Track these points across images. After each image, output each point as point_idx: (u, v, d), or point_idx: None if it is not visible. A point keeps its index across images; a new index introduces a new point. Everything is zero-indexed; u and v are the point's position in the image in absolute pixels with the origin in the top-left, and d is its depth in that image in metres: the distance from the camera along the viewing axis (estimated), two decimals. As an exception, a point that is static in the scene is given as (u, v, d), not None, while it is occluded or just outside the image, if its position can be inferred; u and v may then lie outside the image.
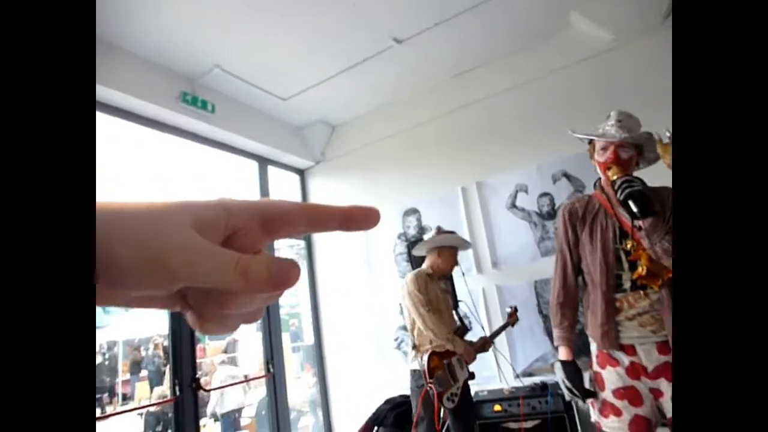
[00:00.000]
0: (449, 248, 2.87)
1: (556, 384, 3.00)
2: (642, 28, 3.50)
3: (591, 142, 1.69)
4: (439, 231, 2.92)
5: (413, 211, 4.21)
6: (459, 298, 3.54)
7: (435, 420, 2.54)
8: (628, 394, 1.47)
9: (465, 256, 3.80)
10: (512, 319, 3.01)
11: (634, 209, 1.40)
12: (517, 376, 3.45)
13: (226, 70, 3.60)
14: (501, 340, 3.66)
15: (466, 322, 3.66)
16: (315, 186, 4.93)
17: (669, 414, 1.46)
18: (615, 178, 1.50)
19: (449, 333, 2.61)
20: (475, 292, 3.77)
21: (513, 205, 3.84)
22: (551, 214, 3.69)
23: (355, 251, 4.49)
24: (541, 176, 3.75)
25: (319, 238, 4.80)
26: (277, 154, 4.55)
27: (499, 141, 3.95)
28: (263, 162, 4.53)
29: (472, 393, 3.16)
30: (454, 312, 2.90)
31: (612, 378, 1.52)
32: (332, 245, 4.68)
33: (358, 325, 4.31)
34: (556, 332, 1.73)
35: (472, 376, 2.65)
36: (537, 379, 3.17)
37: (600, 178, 1.73)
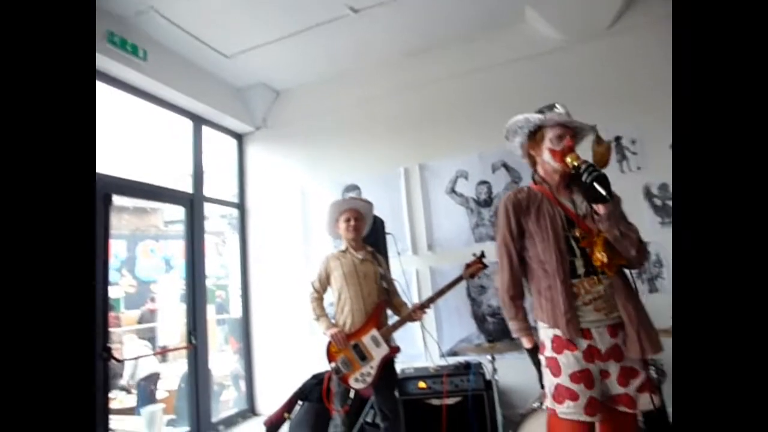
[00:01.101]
0: (341, 214, 2.76)
1: (479, 363, 3.14)
2: (590, 32, 3.65)
3: (535, 133, 1.68)
4: (334, 202, 2.80)
5: (354, 188, 4.16)
6: (393, 277, 3.56)
7: (324, 397, 2.57)
8: (584, 377, 1.49)
9: (401, 237, 3.83)
10: (473, 269, 2.76)
11: (603, 192, 1.44)
12: (443, 356, 3.55)
13: (163, 15, 3.28)
14: (429, 320, 3.74)
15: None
16: (253, 153, 4.71)
17: (613, 392, 1.52)
18: (577, 163, 1.53)
19: (321, 312, 2.62)
20: (409, 273, 3.81)
21: (452, 191, 3.90)
22: (488, 202, 3.80)
23: (291, 223, 4.37)
24: (481, 164, 3.84)
25: (254, 208, 4.61)
26: (215, 115, 4.28)
27: (444, 125, 3.98)
28: (198, 121, 4.24)
29: (399, 370, 3.22)
30: (384, 284, 2.77)
31: (570, 362, 1.52)
32: (267, 215, 4.52)
33: (290, 298, 4.22)
34: (513, 324, 1.71)
35: (395, 350, 2.66)
36: (461, 359, 3.28)
37: (535, 171, 1.75)
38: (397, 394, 2.95)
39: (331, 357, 2.57)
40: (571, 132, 1.64)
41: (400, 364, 3.41)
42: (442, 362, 3.36)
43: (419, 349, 3.65)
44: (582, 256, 1.57)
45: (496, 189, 3.78)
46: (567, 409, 1.49)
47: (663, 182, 3.46)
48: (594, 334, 1.53)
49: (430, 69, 4.07)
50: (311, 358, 3.66)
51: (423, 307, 2.71)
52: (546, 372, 1.59)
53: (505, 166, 3.77)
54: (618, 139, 3.59)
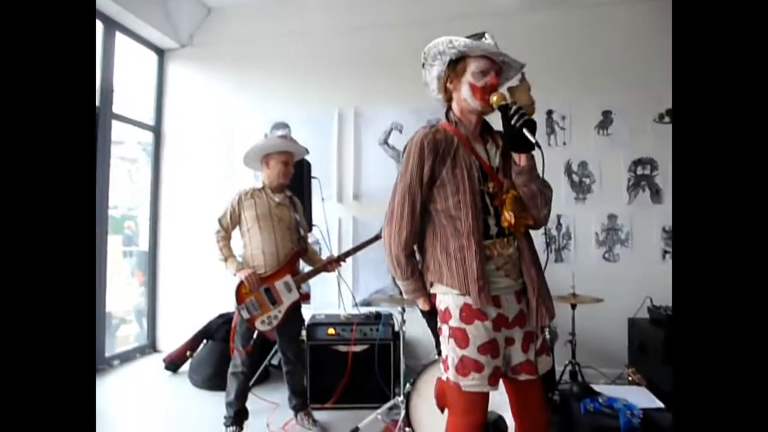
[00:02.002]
0: (276, 155, 2.56)
1: (390, 315, 3.19)
2: (545, 3, 3.62)
3: (457, 62, 1.43)
4: (266, 137, 2.60)
5: (283, 125, 3.93)
6: (314, 223, 3.47)
7: (231, 338, 2.49)
8: (491, 347, 1.35)
9: (327, 183, 3.71)
10: None
11: (532, 139, 1.28)
12: (356, 305, 3.58)
13: None
14: (346, 270, 3.73)
15: (317, 247, 3.63)
16: (175, 72, 4.25)
17: (515, 361, 1.42)
18: (504, 103, 1.34)
19: (229, 253, 2.46)
20: (332, 221, 3.74)
21: (385, 142, 3.81)
22: (419, 158, 3.76)
23: (211, 154, 4.06)
24: (417, 118, 3.76)
25: (172, 133, 4.22)
26: (132, 21, 3.76)
27: (385, 74, 3.82)
28: (110, 25, 3.71)
29: (310, 316, 3.20)
30: (300, 231, 2.64)
31: (480, 333, 1.35)
32: (186, 143, 4.16)
33: (202, 234, 3.97)
34: (407, 285, 1.45)
35: (305, 297, 2.61)
36: (374, 309, 3.32)
37: (450, 109, 1.49)
38: (303, 338, 2.93)
39: (240, 298, 2.46)
40: (497, 68, 1.42)
41: (312, 310, 3.39)
42: (355, 311, 3.38)
43: (334, 297, 3.64)
44: (495, 215, 1.40)
45: (428, 146, 3.74)
46: (472, 382, 1.35)
47: (583, 160, 3.63)
48: (503, 302, 1.40)
49: (377, 14, 3.86)
50: (219, 297, 3.52)
51: (339, 260, 2.66)
52: (450, 342, 1.39)
53: (441, 124, 3.73)
54: (550, 112, 3.67)
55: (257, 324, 2.46)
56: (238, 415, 2.53)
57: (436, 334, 1.47)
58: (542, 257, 1.47)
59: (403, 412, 2.37)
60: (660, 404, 2.11)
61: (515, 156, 1.39)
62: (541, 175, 1.40)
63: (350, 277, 3.75)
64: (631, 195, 3.57)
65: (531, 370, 1.42)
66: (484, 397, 1.40)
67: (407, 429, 2.29)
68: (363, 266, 3.78)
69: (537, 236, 1.53)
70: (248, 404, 2.66)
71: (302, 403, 2.75)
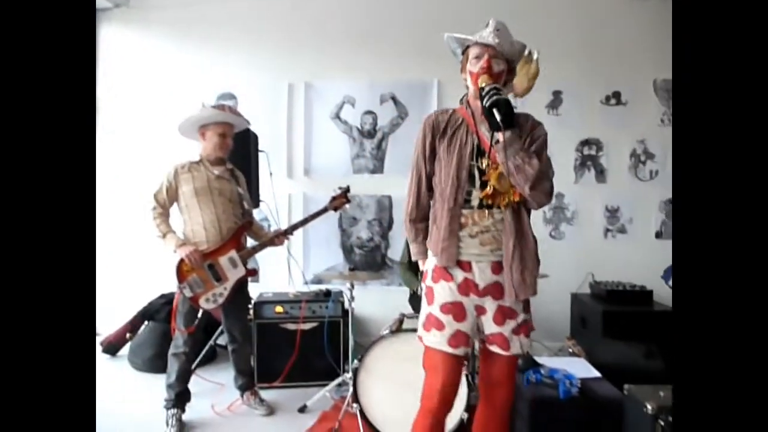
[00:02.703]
0: (213, 126, 2.42)
1: (339, 292, 3.15)
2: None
3: (465, 52, 1.55)
4: (203, 106, 2.43)
5: (230, 96, 3.72)
6: (261, 199, 3.34)
7: (172, 318, 2.38)
8: (454, 309, 1.46)
9: (277, 158, 3.57)
10: (337, 203, 2.65)
11: (498, 117, 1.35)
12: (306, 283, 3.52)
13: None
14: (296, 247, 3.65)
15: (266, 224, 3.52)
16: (110, 35, 3.90)
17: (487, 331, 1.51)
18: (483, 84, 1.41)
19: (167, 229, 2.34)
20: (281, 197, 3.62)
21: (337, 116, 3.71)
22: (371, 133, 3.69)
23: (150, 126, 3.79)
24: (371, 93, 3.68)
25: (104, 103, 3.90)
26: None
27: (338, 46, 3.68)
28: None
29: (257, 294, 3.10)
30: (244, 205, 2.52)
31: (444, 293, 1.49)
32: (121, 114, 3.86)
33: (139, 210, 3.74)
34: (413, 247, 1.66)
35: (251, 273, 2.51)
36: (324, 287, 3.26)
37: (466, 94, 1.60)
38: (250, 316, 2.85)
39: (182, 276, 2.33)
40: (492, 52, 1.47)
41: (260, 288, 3.30)
42: (305, 289, 3.32)
43: (283, 275, 3.55)
44: (480, 188, 1.49)
45: (381, 121, 3.67)
46: (432, 338, 1.48)
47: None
48: (474, 268, 1.48)
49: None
50: (159, 276, 3.33)
51: (285, 233, 2.57)
52: (423, 300, 1.56)
53: (394, 99, 3.66)
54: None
55: (201, 302, 2.35)
56: (180, 397, 2.43)
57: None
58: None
59: (351, 389, 2.35)
60: (597, 374, 2.20)
61: (498, 135, 1.44)
62: (522, 150, 1.44)
63: (300, 254, 3.66)
64: (577, 174, 3.67)
65: (504, 344, 1.50)
66: (447, 361, 1.48)
67: (355, 404, 2.28)
68: (314, 243, 3.70)
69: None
70: (193, 386, 2.57)
71: (248, 382, 2.68)
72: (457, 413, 2.08)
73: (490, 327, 1.51)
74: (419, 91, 3.58)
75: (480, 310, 1.51)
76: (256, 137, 3.28)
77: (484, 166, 1.49)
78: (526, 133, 1.51)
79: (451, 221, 1.49)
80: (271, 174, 3.33)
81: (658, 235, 3.64)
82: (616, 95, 3.66)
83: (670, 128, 3.64)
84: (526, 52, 1.58)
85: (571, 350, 2.54)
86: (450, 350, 1.46)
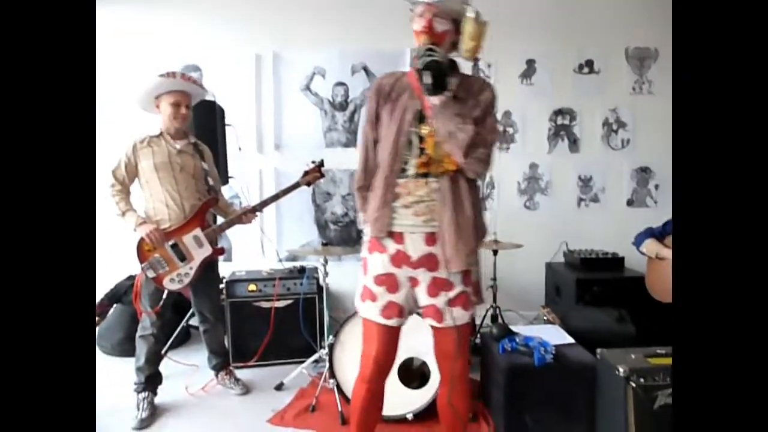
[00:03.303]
0: (166, 95, 2.26)
1: (314, 268, 3.10)
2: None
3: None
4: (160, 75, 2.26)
5: (194, 68, 3.54)
6: (230, 175, 3.23)
7: (134, 299, 2.32)
8: (387, 281, 1.44)
9: (246, 132, 3.44)
10: (310, 177, 2.56)
11: (429, 81, 1.29)
12: (281, 260, 3.44)
13: None
14: (269, 225, 3.56)
15: (236, 201, 3.42)
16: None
17: (421, 303, 1.48)
18: (421, 45, 1.36)
19: (127, 207, 2.22)
20: (252, 172, 3.51)
21: (307, 88, 3.58)
22: (343, 105, 3.59)
23: (110, 100, 3.58)
24: (341, 64, 3.55)
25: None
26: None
27: (307, 13, 3.52)
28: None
29: (230, 273, 3.02)
30: (209, 181, 2.40)
31: (377, 264, 1.46)
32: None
33: (101, 188, 3.58)
34: (361, 216, 1.60)
35: (219, 251, 2.42)
36: (298, 263, 3.20)
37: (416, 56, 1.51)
38: (223, 296, 2.77)
39: (143, 256, 2.23)
40: (435, 10, 1.37)
41: (233, 267, 3.22)
42: (279, 266, 3.25)
43: (256, 253, 3.47)
44: (420, 156, 1.43)
45: (353, 93, 3.57)
46: (366, 309, 1.49)
47: (507, 109, 3.63)
48: (406, 239, 1.44)
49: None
50: (127, 257, 3.22)
51: (254, 210, 2.47)
52: (360, 271, 1.56)
53: (366, 69, 3.55)
54: (475, 60, 3.60)
55: (166, 283, 2.26)
56: (150, 380, 2.36)
57: None
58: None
59: (327, 364, 2.33)
60: (571, 340, 2.23)
61: (431, 99, 1.38)
62: (458, 116, 1.37)
63: (274, 232, 3.58)
64: (551, 144, 3.67)
65: (437, 316, 1.46)
66: (380, 332, 1.49)
67: (331, 380, 2.26)
68: (287, 220, 3.62)
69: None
70: (165, 368, 2.51)
71: (223, 362, 2.63)
72: (432, 388, 2.09)
73: (424, 299, 1.48)
74: (392, 61, 3.47)
75: (413, 282, 1.48)
76: (222, 110, 3.14)
77: (424, 132, 1.42)
78: (473, 97, 1.43)
79: (385, 191, 1.44)
80: (239, 149, 3.21)
81: (630, 203, 3.69)
82: (589, 64, 3.63)
83: (641, 96, 3.65)
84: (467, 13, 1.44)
85: (546, 318, 2.57)
86: (383, 321, 1.46)
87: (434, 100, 1.37)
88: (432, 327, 1.51)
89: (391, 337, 1.51)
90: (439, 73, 1.29)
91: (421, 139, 1.42)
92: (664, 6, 3.59)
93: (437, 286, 1.45)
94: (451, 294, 1.45)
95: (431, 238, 1.43)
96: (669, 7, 3.73)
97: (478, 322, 2.96)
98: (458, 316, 1.46)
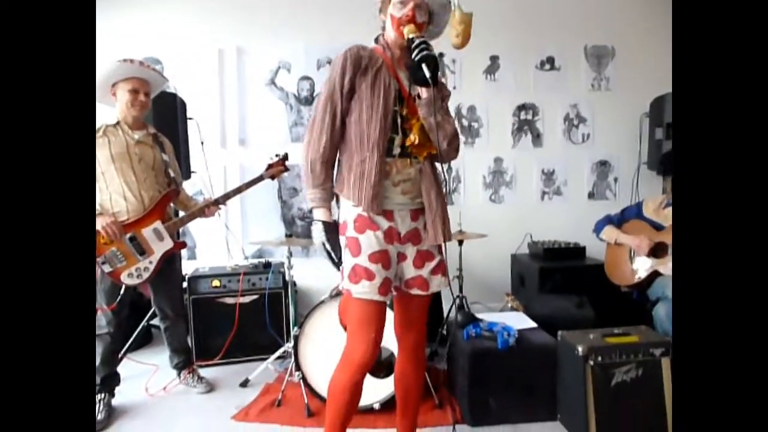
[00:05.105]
0: (123, 82, 2.19)
1: (280, 263, 3.05)
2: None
3: None
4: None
5: (155, 61, 3.45)
6: (193, 170, 3.15)
7: (95, 297, 2.21)
8: (382, 257, 1.46)
9: (209, 127, 3.37)
10: (274, 170, 2.53)
11: (427, 74, 1.35)
12: (246, 258, 3.38)
13: None
14: (235, 220, 3.50)
15: (199, 198, 3.34)
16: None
17: (407, 276, 1.54)
18: (412, 36, 1.40)
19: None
20: (216, 168, 3.43)
21: (272, 82, 3.54)
22: (309, 100, 3.57)
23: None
24: (307, 58, 3.53)
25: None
26: None
27: (271, 7, 3.50)
28: None
29: (193, 269, 2.95)
30: (170, 173, 2.34)
31: (371, 242, 1.46)
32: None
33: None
34: (316, 193, 1.50)
35: (180, 245, 2.34)
36: (264, 259, 3.15)
37: (381, 34, 1.57)
38: (185, 293, 2.70)
39: (99, 249, 2.15)
40: (418, 0, 1.45)
41: (195, 263, 3.14)
42: (244, 262, 3.19)
43: (221, 250, 3.39)
44: (402, 136, 1.49)
45: (319, 87, 3.55)
46: (362, 289, 1.44)
47: (472, 104, 3.69)
48: (396, 217, 1.50)
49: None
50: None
51: (217, 203, 2.42)
52: (346, 252, 1.49)
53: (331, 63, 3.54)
54: (440, 55, 3.65)
55: (123, 278, 2.18)
56: (107, 380, 2.26)
57: (335, 247, 1.53)
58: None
59: (292, 358, 2.30)
60: (534, 325, 2.27)
61: (418, 88, 1.46)
62: (438, 111, 1.47)
63: (239, 227, 3.52)
64: (515, 139, 3.74)
65: (423, 285, 1.55)
66: (378, 310, 1.48)
67: (297, 373, 2.23)
68: (252, 216, 3.56)
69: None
70: (124, 370, 2.42)
71: (185, 361, 2.55)
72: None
73: (410, 271, 1.54)
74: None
75: (401, 257, 1.54)
76: (183, 103, 3.07)
77: (404, 113, 1.49)
78: (440, 91, 1.51)
79: (380, 170, 1.46)
80: (202, 143, 3.14)
81: (591, 195, 3.80)
82: (550, 61, 3.73)
83: (600, 93, 3.77)
84: (453, 7, 1.57)
85: (510, 305, 2.61)
86: (380, 298, 1.46)
87: (423, 91, 1.44)
88: (403, 298, 1.59)
89: (384, 314, 1.52)
90: (435, 66, 1.36)
91: (403, 119, 1.49)
92: (621, 6, 3.74)
93: (422, 258, 1.54)
94: (433, 264, 1.55)
95: (415, 215, 1.53)
96: (626, 7, 3.85)
97: (444, 314, 2.98)
98: (442, 281, 1.57)
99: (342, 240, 1.52)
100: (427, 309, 1.63)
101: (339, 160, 1.56)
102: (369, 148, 1.46)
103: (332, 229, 1.53)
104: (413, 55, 1.36)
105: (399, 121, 1.48)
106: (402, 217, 1.51)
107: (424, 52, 1.35)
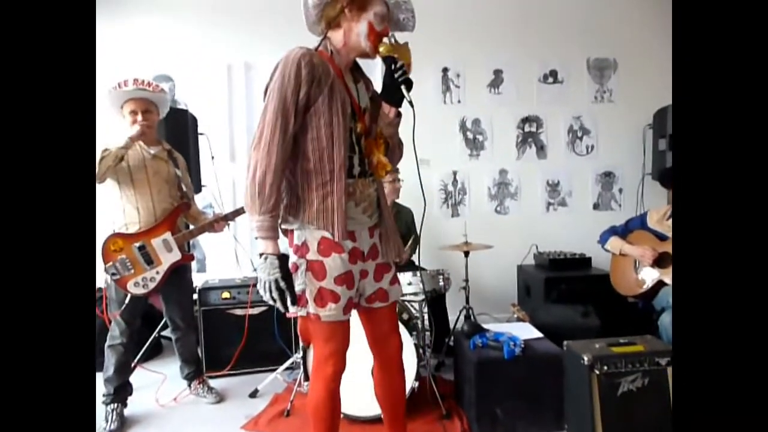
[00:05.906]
0: (126, 104, 2.29)
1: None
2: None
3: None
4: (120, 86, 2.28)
5: (166, 79, 3.55)
6: (203, 183, 3.22)
7: (104, 307, 2.30)
8: (347, 279, 1.40)
9: (219, 142, 3.45)
10: None
11: (407, 98, 1.39)
12: (255, 269, 3.42)
13: None
14: (243, 231, 3.55)
15: (209, 211, 3.39)
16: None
17: (369, 291, 1.51)
18: (392, 54, 1.40)
19: None
20: (225, 181, 3.50)
21: (281, 97, 3.62)
22: (316, 114, 3.64)
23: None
24: (314, 74, 3.61)
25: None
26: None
27: (275, 23, 3.57)
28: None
29: (203, 281, 3.00)
30: (182, 187, 2.40)
31: (336, 265, 1.38)
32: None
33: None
34: (264, 221, 1.32)
35: (188, 258, 2.40)
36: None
37: (326, 37, 1.44)
38: (196, 306, 2.74)
39: (107, 257, 2.20)
40: (388, 19, 1.44)
41: (206, 276, 3.18)
42: (255, 275, 3.23)
43: (231, 262, 3.45)
44: (359, 154, 1.43)
45: (326, 102, 3.62)
46: (330, 312, 1.38)
47: (476, 117, 3.75)
48: (357, 237, 1.46)
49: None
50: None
51: (226, 218, 2.47)
52: (307, 275, 1.38)
53: (338, 79, 3.62)
54: (445, 70, 3.72)
55: (129, 286, 2.22)
56: (119, 391, 2.31)
57: (290, 286, 1.36)
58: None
59: (301, 368, 2.33)
60: (540, 334, 2.29)
61: (385, 107, 1.46)
62: (410, 133, 1.47)
63: (248, 240, 3.57)
64: (519, 151, 3.79)
65: (384, 297, 1.56)
66: (343, 326, 1.47)
67: (305, 383, 2.25)
68: (261, 229, 3.61)
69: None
70: (136, 379, 2.45)
71: (196, 371, 2.59)
72: (407, 383, 2.10)
73: (371, 286, 1.52)
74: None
75: (363, 274, 1.49)
76: (195, 119, 3.15)
77: (359, 129, 1.43)
78: None
79: (346, 193, 1.38)
80: (212, 158, 3.21)
81: (596, 206, 3.82)
82: (553, 74, 3.79)
83: (603, 105, 3.82)
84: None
85: (516, 315, 2.63)
86: (346, 318, 1.44)
87: (392, 111, 1.46)
88: (367, 313, 1.57)
89: (348, 330, 1.50)
90: (410, 89, 1.40)
91: (359, 136, 1.43)
92: (623, 18, 3.80)
93: (380, 271, 1.54)
94: (390, 275, 1.57)
95: (372, 231, 1.52)
96: (627, 20, 3.90)
97: (451, 325, 3.00)
98: (397, 290, 1.60)
99: (302, 262, 1.39)
100: (396, 318, 1.64)
101: (288, 181, 1.40)
102: (333, 169, 1.36)
103: (285, 263, 1.37)
104: (396, 76, 1.38)
105: (353, 138, 1.41)
106: (362, 236, 1.47)
107: (405, 76, 1.38)
